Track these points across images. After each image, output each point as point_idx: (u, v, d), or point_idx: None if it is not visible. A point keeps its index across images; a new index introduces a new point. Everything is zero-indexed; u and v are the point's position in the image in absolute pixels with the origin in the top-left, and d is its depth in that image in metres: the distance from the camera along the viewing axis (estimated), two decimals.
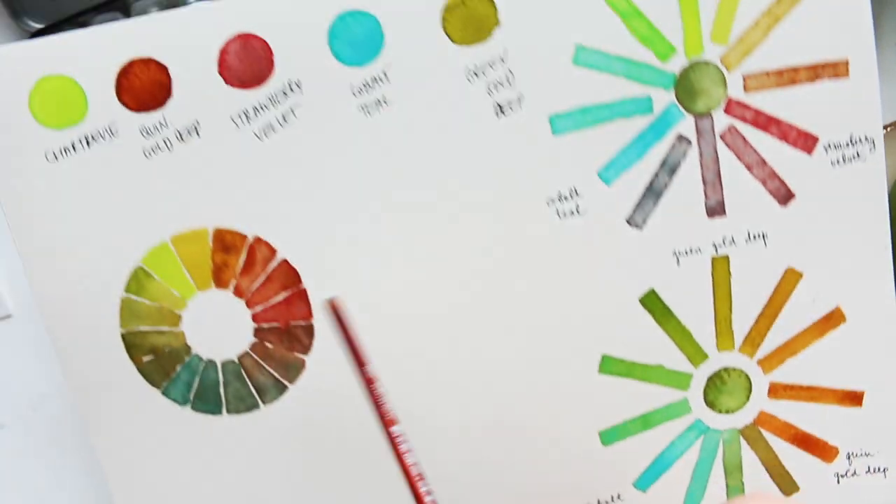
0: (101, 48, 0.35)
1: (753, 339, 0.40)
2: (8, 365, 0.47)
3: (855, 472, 0.41)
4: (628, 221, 0.39)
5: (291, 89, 0.36)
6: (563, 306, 0.39)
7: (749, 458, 0.41)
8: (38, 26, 0.42)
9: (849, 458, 0.41)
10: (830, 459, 0.41)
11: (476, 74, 0.37)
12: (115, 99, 0.36)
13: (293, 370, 0.38)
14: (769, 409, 0.41)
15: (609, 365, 0.39)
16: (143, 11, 0.41)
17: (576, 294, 0.39)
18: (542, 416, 0.39)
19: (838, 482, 0.41)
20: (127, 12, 0.42)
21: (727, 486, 0.41)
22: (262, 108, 0.37)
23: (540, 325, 0.39)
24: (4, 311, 0.46)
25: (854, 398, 0.40)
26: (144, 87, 0.36)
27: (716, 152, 0.38)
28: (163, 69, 0.36)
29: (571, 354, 0.39)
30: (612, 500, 0.41)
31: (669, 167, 0.38)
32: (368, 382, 0.31)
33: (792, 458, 0.41)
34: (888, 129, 0.47)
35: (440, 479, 0.39)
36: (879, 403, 0.40)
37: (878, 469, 0.41)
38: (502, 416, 0.39)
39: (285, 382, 0.39)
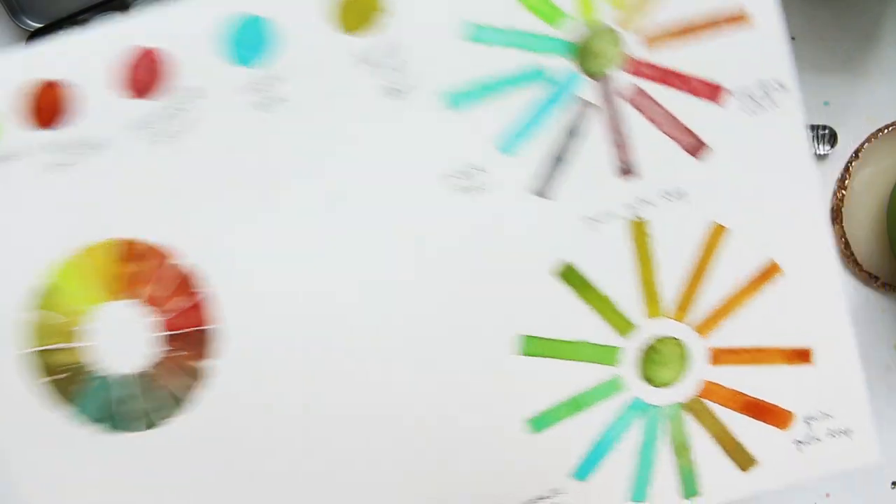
0: (3, 68, 0.35)
1: (684, 304, 0.36)
2: None
3: (817, 438, 0.37)
4: (536, 193, 0.35)
5: (189, 96, 0.35)
6: (475, 288, 0.36)
7: (697, 434, 0.37)
8: (37, 25, 0.44)
9: (807, 422, 0.37)
10: (786, 426, 0.37)
11: (369, 63, 0.35)
12: (16, 117, 0.35)
13: (202, 376, 0.36)
14: (712, 377, 0.37)
15: (530, 345, 0.36)
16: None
17: (486, 273, 0.36)
18: (461, 406, 0.36)
19: (799, 450, 0.37)
20: (125, 11, 0.43)
21: (678, 467, 0.37)
22: (161, 116, 0.35)
23: (452, 309, 0.36)
24: None
25: (802, 356, 0.37)
26: (45, 104, 0.35)
27: (621, 113, 0.35)
28: (63, 86, 0.35)
29: (487, 338, 0.36)
30: (551, 494, 0.37)
31: (573, 133, 0.35)
32: None
33: (744, 429, 0.37)
34: (888, 129, 0.48)
35: (351, 480, 0.35)
36: (831, 359, 0.37)
37: (842, 431, 0.37)
38: (418, 410, 0.36)
39: (196, 388, 0.36)
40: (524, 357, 0.36)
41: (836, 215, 0.51)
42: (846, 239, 0.51)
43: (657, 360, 0.37)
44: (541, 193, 0.36)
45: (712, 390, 0.37)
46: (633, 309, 0.36)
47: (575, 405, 0.37)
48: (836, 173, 0.50)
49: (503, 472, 0.37)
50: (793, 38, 0.50)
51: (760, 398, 0.37)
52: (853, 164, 0.50)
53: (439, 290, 0.36)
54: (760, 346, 0.37)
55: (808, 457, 0.37)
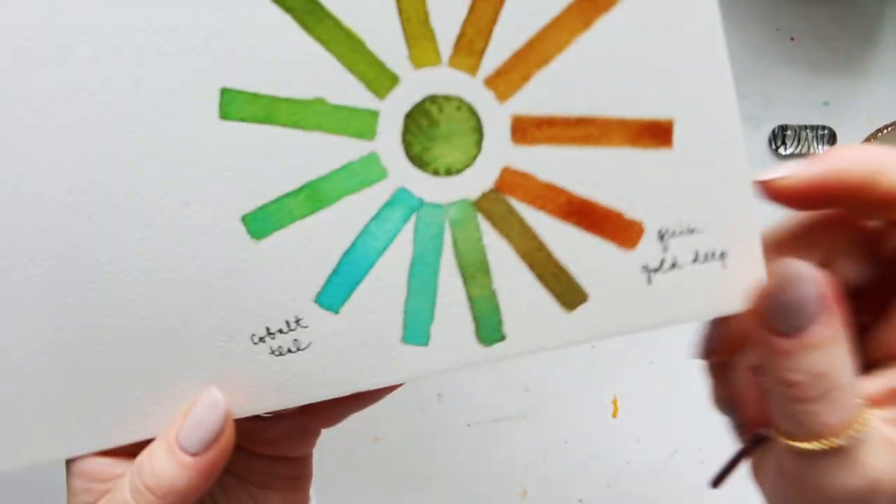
0: None
1: (472, 42, 0.24)
2: None
3: (675, 264, 0.25)
4: None
5: None
6: (165, 15, 0.24)
7: (498, 249, 0.25)
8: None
9: (662, 237, 0.25)
10: (633, 243, 0.25)
11: None
12: None
13: None
14: (517, 162, 0.25)
15: (233, 104, 0.24)
16: None
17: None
18: (143, 194, 0.25)
19: (650, 281, 0.25)
20: None
21: (469, 298, 0.26)
22: None
23: (141, 51, 0.24)
24: None
25: (658, 132, 0.24)
26: None
27: None
28: None
29: (183, 93, 0.24)
30: (289, 325, 0.26)
31: None
32: None
33: (569, 245, 0.25)
34: (887, 129, 0.49)
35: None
36: (700, 138, 0.24)
37: (713, 255, 0.25)
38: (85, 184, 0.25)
39: None
40: (228, 122, 0.24)
41: None
42: None
43: (432, 133, 0.24)
44: None
45: (518, 182, 0.25)
46: (393, 52, 0.24)
47: (311, 198, 0.25)
48: None
49: (217, 292, 0.25)
50: (792, 39, 0.52)
51: (591, 197, 0.25)
52: None
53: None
54: (591, 116, 0.24)
55: (661, 291, 0.25)
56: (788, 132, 0.52)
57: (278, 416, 0.30)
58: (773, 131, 0.53)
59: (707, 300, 0.25)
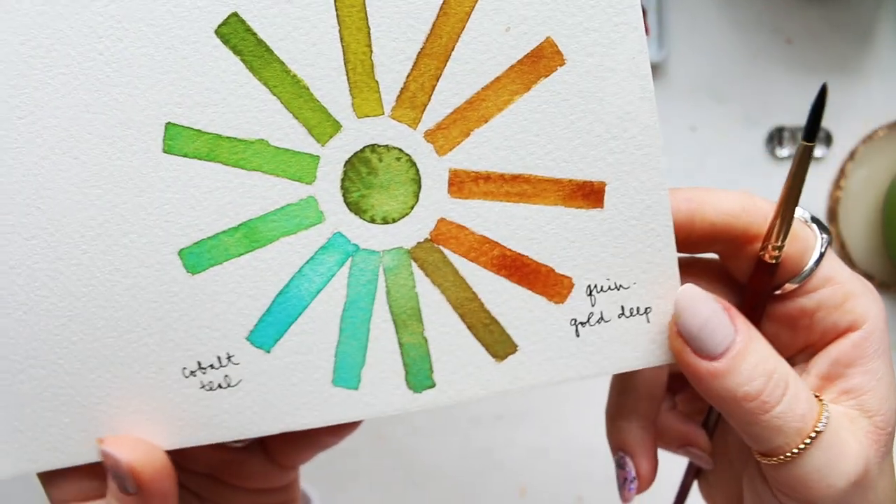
0: None
1: (414, 96, 0.24)
2: None
3: (602, 318, 0.26)
4: None
5: None
6: (119, 57, 0.24)
7: (430, 297, 0.26)
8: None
9: (590, 293, 0.25)
10: (562, 298, 0.25)
11: None
12: None
13: None
14: (453, 214, 0.25)
15: (177, 139, 0.24)
16: None
17: (132, 33, 0.24)
18: (83, 219, 0.25)
19: (577, 334, 0.26)
20: None
21: (400, 344, 0.26)
22: None
23: (89, 81, 0.24)
24: None
25: (590, 193, 0.25)
26: None
27: None
28: None
29: (131, 124, 0.24)
30: (220, 361, 0.26)
31: None
32: None
33: (500, 297, 0.26)
34: (883, 130, 0.50)
35: None
36: (631, 200, 0.25)
37: (638, 310, 0.25)
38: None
39: None
40: (169, 156, 0.24)
41: (832, 216, 0.52)
42: (842, 239, 0.52)
43: (371, 181, 0.25)
44: None
45: (453, 234, 0.25)
46: (337, 99, 0.24)
47: (247, 237, 0.25)
48: (832, 174, 0.52)
49: (151, 325, 0.25)
50: (789, 41, 0.53)
51: (523, 252, 0.25)
52: (848, 165, 0.52)
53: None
54: (526, 174, 0.25)
55: (588, 344, 0.26)
56: (785, 133, 0.52)
57: (250, 451, 0.30)
58: (770, 133, 0.53)
59: (632, 353, 0.25)
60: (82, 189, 0.24)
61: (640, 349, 0.26)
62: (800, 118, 0.53)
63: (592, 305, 0.25)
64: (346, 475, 0.50)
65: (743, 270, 0.26)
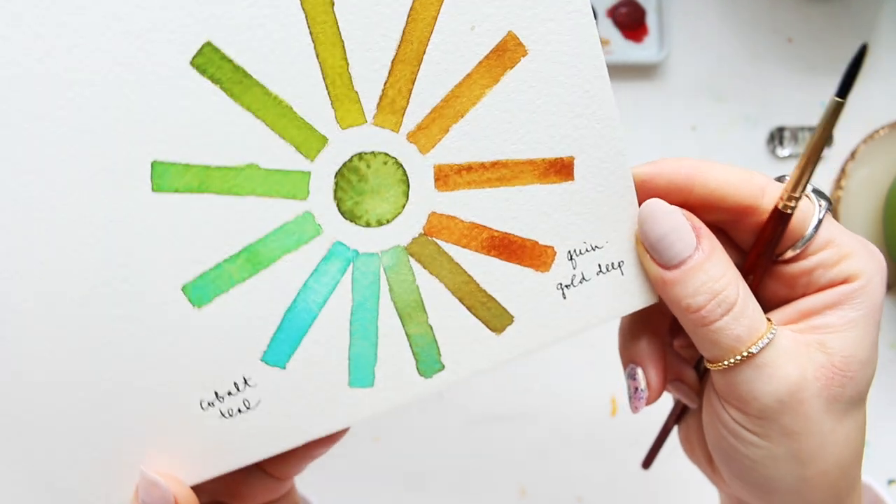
0: None
1: (393, 101, 0.25)
2: None
3: (583, 278, 0.28)
4: None
5: None
6: (98, 97, 0.23)
7: (430, 287, 0.27)
8: None
9: (571, 257, 0.28)
10: (546, 266, 0.28)
11: None
12: None
13: None
14: (442, 207, 0.27)
15: (166, 176, 0.24)
16: None
17: (109, 71, 0.23)
18: (78, 271, 0.24)
19: (564, 296, 0.28)
20: None
21: (408, 336, 0.27)
22: None
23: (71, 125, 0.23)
24: None
25: (561, 169, 0.27)
26: None
27: None
28: None
29: (115, 167, 0.24)
30: (237, 386, 0.26)
31: None
32: None
33: (493, 275, 0.28)
34: (884, 130, 0.50)
35: None
36: (596, 169, 0.27)
37: (612, 265, 0.28)
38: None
39: None
40: (161, 193, 0.24)
41: (833, 216, 0.53)
42: None
43: (362, 188, 0.26)
44: None
45: (444, 225, 0.27)
46: (320, 114, 0.25)
47: (249, 261, 0.25)
48: (833, 174, 0.51)
49: (164, 365, 0.25)
50: (789, 40, 0.52)
51: (509, 231, 0.27)
52: (849, 164, 0.51)
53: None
54: (503, 160, 0.27)
55: (574, 303, 0.28)
56: (786, 133, 0.52)
57: (247, 471, 0.30)
58: (771, 132, 0.53)
59: (612, 303, 0.28)
60: (76, 238, 0.24)
61: (618, 299, 0.29)
62: (800, 118, 0.52)
63: (574, 268, 0.28)
64: (346, 477, 0.49)
65: (742, 239, 0.28)
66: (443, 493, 0.50)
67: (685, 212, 0.27)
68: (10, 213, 0.23)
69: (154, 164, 0.24)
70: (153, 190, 0.24)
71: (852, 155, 0.52)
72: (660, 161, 0.28)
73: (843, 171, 0.52)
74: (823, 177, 0.52)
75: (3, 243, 0.23)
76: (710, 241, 0.27)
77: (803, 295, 0.28)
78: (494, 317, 0.28)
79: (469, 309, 0.28)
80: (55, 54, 0.23)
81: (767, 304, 0.29)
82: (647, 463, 0.34)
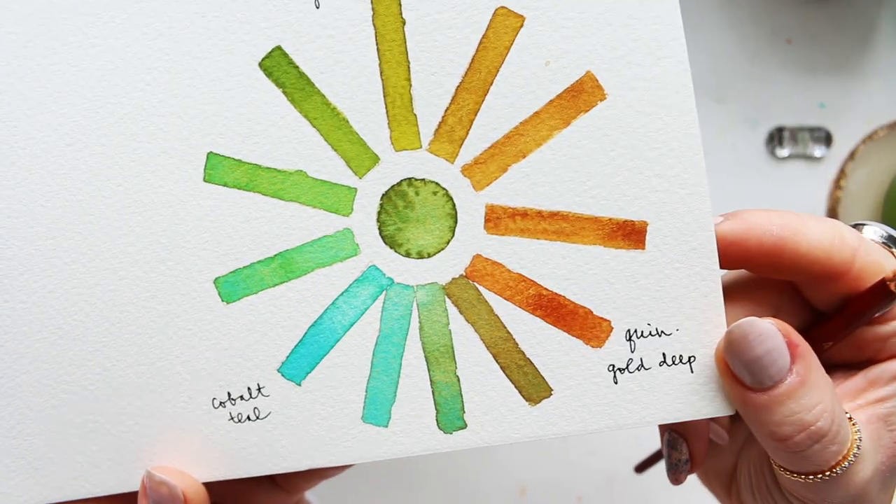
0: None
1: (452, 130, 0.24)
2: None
3: (642, 365, 0.24)
4: None
5: None
6: (160, 87, 0.25)
7: (464, 335, 0.25)
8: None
9: (630, 337, 0.24)
10: (600, 341, 0.24)
11: None
12: None
13: None
14: (489, 251, 0.25)
15: (216, 168, 0.25)
16: None
17: (177, 63, 0.25)
18: (122, 246, 0.25)
19: (616, 381, 0.24)
20: None
21: (432, 382, 0.25)
22: None
23: (134, 113, 0.25)
24: None
25: (631, 233, 0.24)
26: None
27: None
28: None
29: (173, 152, 0.25)
30: (250, 392, 0.26)
31: None
32: None
33: (535, 338, 0.25)
34: (883, 130, 0.50)
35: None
36: (674, 242, 0.24)
37: (681, 359, 0.24)
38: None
39: None
40: (209, 185, 0.25)
41: (832, 216, 0.51)
42: None
43: (407, 215, 0.25)
44: None
45: (488, 270, 0.25)
46: (374, 133, 0.24)
47: (283, 267, 0.25)
48: (832, 174, 0.51)
49: (183, 354, 0.26)
50: (789, 41, 0.52)
51: (560, 292, 0.24)
52: (848, 165, 0.51)
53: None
54: (564, 211, 0.24)
55: (627, 392, 0.24)
56: (785, 133, 0.52)
57: (257, 480, 0.30)
58: (770, 133, 0.53)
59: (674, 404, 0.24)
60: (123, 215, 0.25)
61: (683, 400, 0.24)
62: (799, 119, 0.52)
63: (632, 351, 0.24)
64: (346, 476, 0.50)
65: (821, 300, 0.25)
66: (443, 493, 0.49)
67: (782, 324, 0.23)
68: (67, 181, 0.25)
69: (209, 155, 0.25)
70: (205, 180, 0.25)
71: (852, 155, 0.51)
72: (744, 215, 0.24)
73: (842, 171, 0.51)
74: (822, 177, 0.52)
75: (53, 209, 0.25)
76: (807, 362, 0.23)
77: (869, 359, 0.25)
78: (531, 384, 0.25)
79: (503, 369, 0.25)
80: (144, 42, 0.24)
81: (829, 362, 0.25)
82: (642, 468, 0.30)
